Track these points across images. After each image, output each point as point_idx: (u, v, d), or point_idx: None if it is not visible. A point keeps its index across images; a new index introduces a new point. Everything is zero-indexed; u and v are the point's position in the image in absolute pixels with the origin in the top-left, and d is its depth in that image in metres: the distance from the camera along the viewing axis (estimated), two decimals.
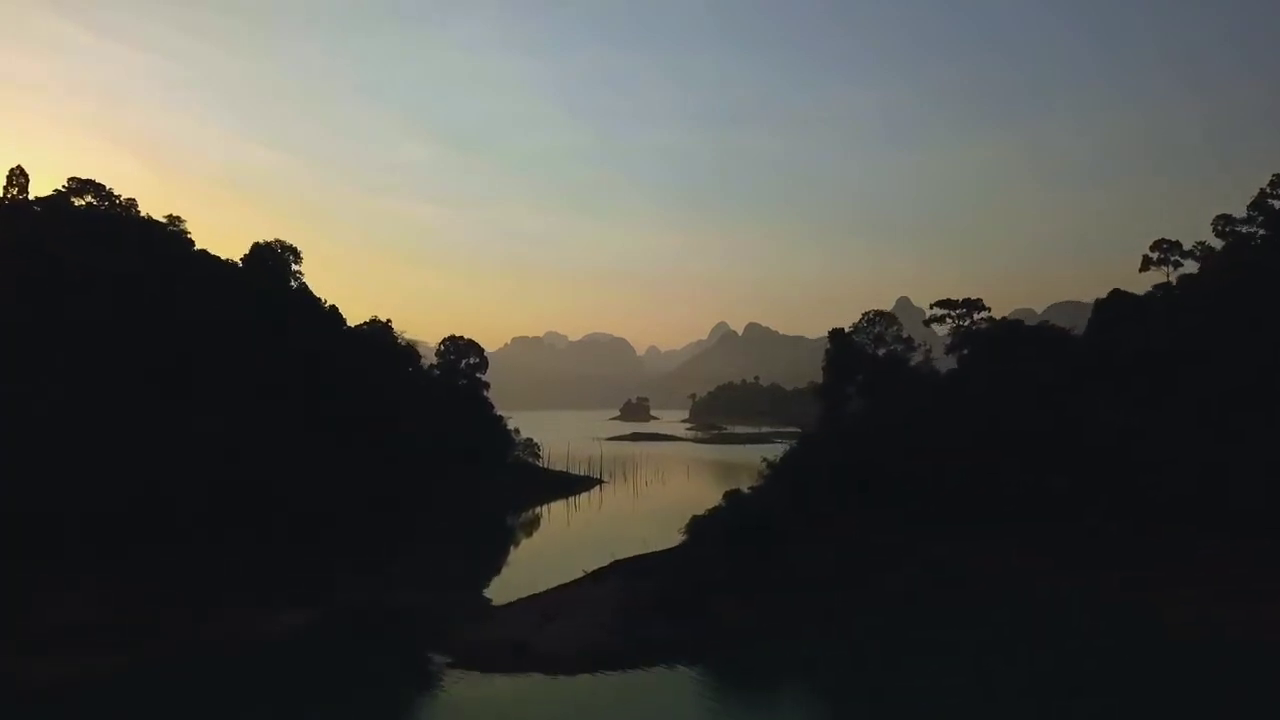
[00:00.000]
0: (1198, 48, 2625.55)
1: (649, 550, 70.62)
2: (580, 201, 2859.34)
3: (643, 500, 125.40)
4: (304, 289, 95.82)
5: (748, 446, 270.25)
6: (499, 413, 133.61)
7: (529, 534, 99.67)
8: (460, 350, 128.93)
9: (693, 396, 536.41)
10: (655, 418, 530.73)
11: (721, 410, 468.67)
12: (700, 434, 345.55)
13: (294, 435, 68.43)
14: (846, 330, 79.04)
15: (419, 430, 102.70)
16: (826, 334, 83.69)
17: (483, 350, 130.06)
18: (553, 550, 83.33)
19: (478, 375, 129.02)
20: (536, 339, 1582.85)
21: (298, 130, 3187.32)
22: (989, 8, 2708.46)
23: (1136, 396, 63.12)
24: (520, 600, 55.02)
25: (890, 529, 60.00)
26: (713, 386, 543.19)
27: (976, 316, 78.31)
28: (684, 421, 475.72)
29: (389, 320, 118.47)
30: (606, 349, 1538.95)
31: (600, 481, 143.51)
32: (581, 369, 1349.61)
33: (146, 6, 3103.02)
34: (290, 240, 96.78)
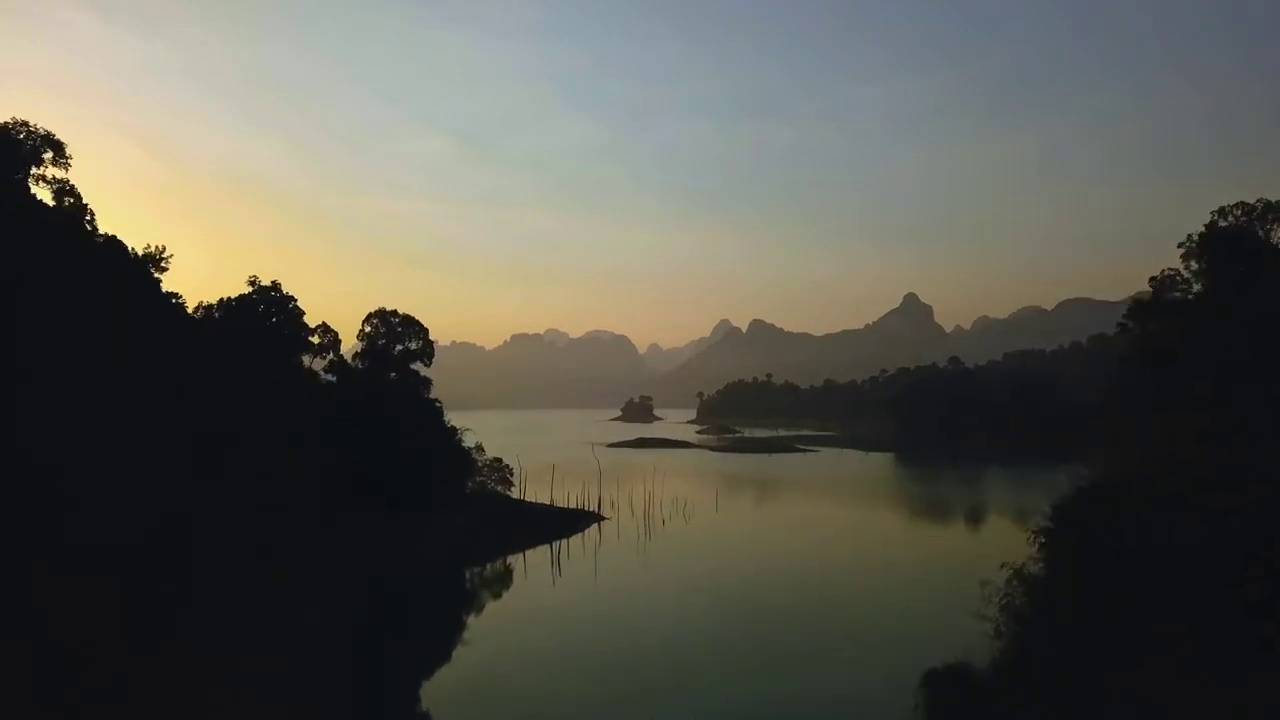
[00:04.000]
0: (1199, 47, 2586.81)
1: None
2: (581, 198, 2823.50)
3: (662, 551, 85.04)
4: (84, 213, 55.17)
5: (773, 455, 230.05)
6: (453, 423, 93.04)
7: (459, 636, 59.49)
8: (393, 332, 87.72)
9: (700, 396, 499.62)
10: (659, 418, 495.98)
11: (732, 410, 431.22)
12: (713, 439, 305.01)
13: None
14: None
15: (303, 455, 62.31)
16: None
17: (426, 331, 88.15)
18: (501, 686, 43.25)
19: (415, 367, 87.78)
20: (536, 336, 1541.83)
21: (298, 129, 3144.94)
22: (994, 6, 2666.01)
23: None
24: None
25: None
26: (718, 385, 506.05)
27: None
28: (691, 423, 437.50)
29: (275, 283, 78.13)
30: (608, 346, 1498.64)
31: (599, 517, 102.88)
32: (582, 367, 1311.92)
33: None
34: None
